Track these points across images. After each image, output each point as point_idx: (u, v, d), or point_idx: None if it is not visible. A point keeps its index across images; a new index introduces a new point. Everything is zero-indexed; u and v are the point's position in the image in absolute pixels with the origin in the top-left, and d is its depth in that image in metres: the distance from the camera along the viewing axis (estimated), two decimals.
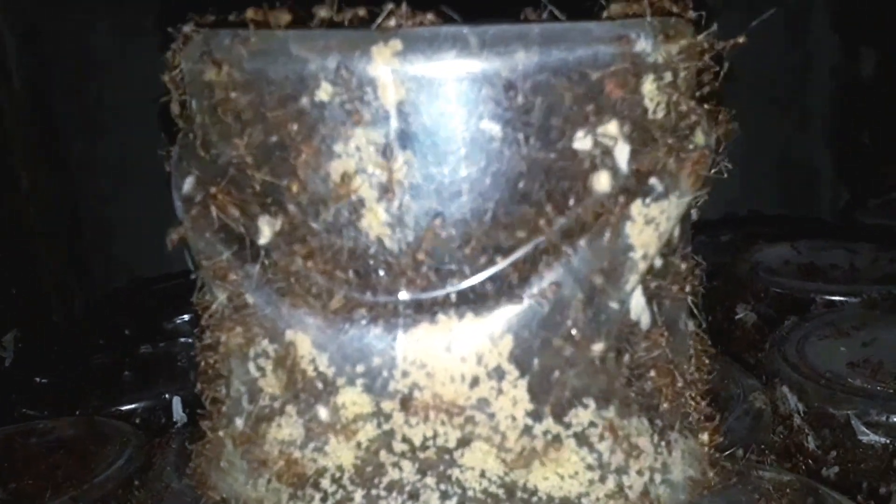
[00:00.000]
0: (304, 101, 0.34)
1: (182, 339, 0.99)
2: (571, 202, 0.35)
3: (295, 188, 0.35)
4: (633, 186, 0.36)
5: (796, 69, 1.52)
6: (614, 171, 0.36)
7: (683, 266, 0.41)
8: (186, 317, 1.02)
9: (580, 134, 0.35)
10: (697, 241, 1.08)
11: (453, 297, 0.35)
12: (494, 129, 0.34)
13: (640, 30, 0.36)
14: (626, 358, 0.38)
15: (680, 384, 0.41)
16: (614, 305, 0.36)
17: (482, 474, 0.36)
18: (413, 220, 0.34)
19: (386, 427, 0.35)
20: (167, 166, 0.41)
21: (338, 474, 0.36)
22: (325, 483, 0.36)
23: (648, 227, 0.37)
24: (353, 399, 0.35)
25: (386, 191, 0.34)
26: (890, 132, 1.44)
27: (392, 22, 0.34)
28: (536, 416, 0.36)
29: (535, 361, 0.35)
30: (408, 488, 0.35)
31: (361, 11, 0.37)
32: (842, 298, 0.84)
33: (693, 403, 0.42)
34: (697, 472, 0.41)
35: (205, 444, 0.40)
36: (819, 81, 1.53)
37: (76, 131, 1.52)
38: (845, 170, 1.52)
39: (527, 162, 0.35)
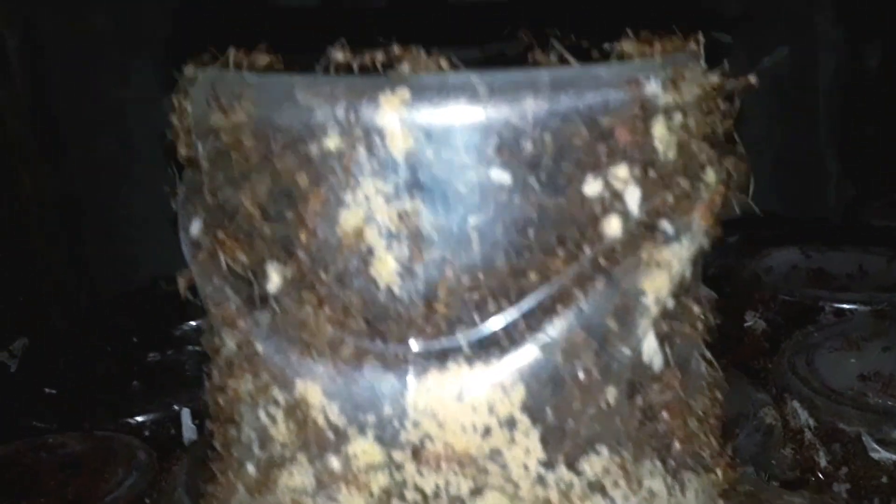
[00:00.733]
0: (312, 148, 0.34)
1: (190, 347, 0.99)
2: (582, 248, 0.35)
3: (303, 237, 0.34)
4: (644, 230, 0.36)
5: (800, 65, 1.51)
6: (625, 215, 0.36)
7: (696, 308, 0.40)
8: (194, 323, 1.02)
9: (590, 179, 0.35)
10: None
11: (464, 345, 0.34)
12: (504, 176, 0.34)
13: (650, 72, 0.35)
14: (639, 400, 0.38)
15: (693, 423, 0.40)
16: (626, 351, 0.36)
17: None
18: (423, 269, 0.34)
19: (398, 477, 0.35)
20: (173, 204, 0.41)
21: None
22: None
23: (660, 270, 0.36)
24: (364, 449, 0.35)
25: (395, 240, 0.34)
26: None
27: (403, 68, 0.34)
28: (549, 465, 0.35)
29: (548, 410, 0.35)
30: None
31: (377, 55, 0.36)
32: (851, 307, 0.84)
33: (706, 440, 0.42)
34: None
35: (216, 487, 0.40)
36: (824, 77, 1.52)
37: (77, 132, 1.51)
38: (851, 166, 1.52)
39: (536, 208, 0.34)
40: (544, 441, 0.35)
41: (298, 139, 0.34)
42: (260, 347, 0.36)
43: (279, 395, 0.36)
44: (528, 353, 0.34)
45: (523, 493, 0.35)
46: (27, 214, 1.46)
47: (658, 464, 0.39)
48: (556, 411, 0.35)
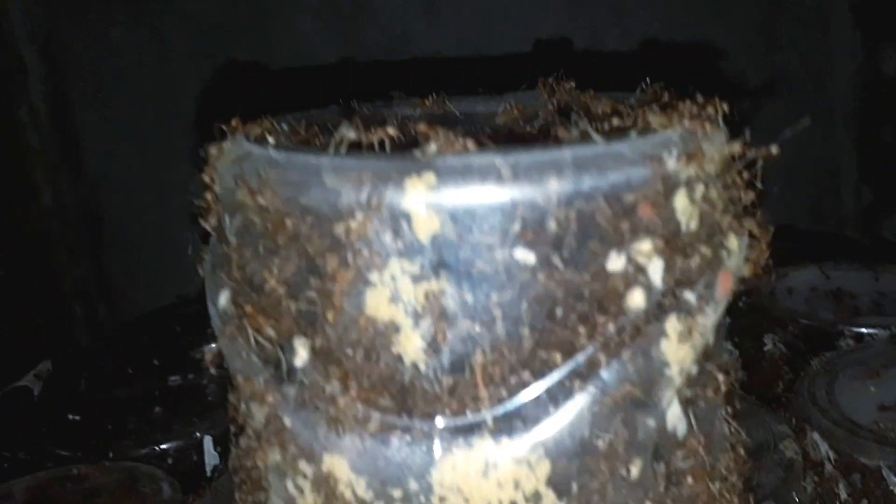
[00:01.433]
0: (339, 230, 0.34)
1: (211, 370, 0.99)
2: (606, 322, 0.35)
3: (330, 315, 0.35)
4: (668, 302, 0.36)
5: (818, 68, 1.51)
6: (648, 288, 0.36)
7: (721, 376, 0.40)
8: (214, 345, 1.03)
9: (613, 255, 0.35)
10: None
11: (489, 421, 0.35)
12: (528, 256, 0.34)
13: (672, 147, 0.36)
14: (663, 468, 0.38)
15: (716, 485, 0.41)
16: (651, 422, 0.36)
17: None
18: (448, 347, 0.35)
19: None
20: (199, 270, 0.42)
21: None
22: None
23: (684, 342, 0.36)
24: None
25: (421, 318, 0.34)
26: None
27: (428, 148, 0.34)
28: None
29: (573, 484, 0.35)
30: None
31: (391, 130, 0.37)
32: (871, 331, 0.84)
33: (729, 498, 0.42)
34: None
35: None
36: (841, 80, 1.52)
37: (98, 146, 1.52)
38: (868, 173, 1.51)
39: (560, 286, 0.35)
40: None
41: (325, 220, 0.34)
42: (288, 421, 0.36)
43: (307, 468, 0.36)
44: (552, 428, 0.35)
45: None
46: (49, 229, 1.47)
47: None
48: (581, 485, 0.35)
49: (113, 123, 1.49)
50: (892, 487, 0.64)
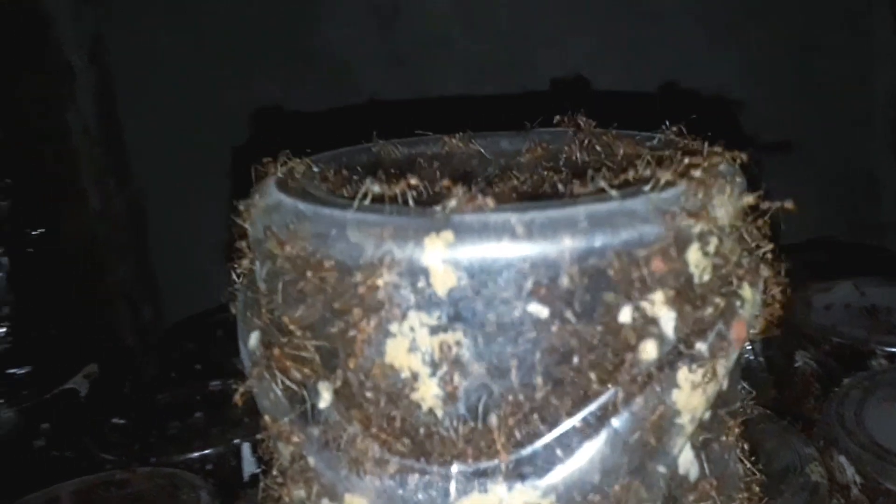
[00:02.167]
0: (361, 282, 0.36)
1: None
2: (618, 372, 0.37)
3: (352, 362, 0.37)
4: (680, 353, 0.37)
5: (857, 74, 1.49)
6: (660, 338, 0.37)
7: (732, 421, 0.41)
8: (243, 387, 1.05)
9: (625, 308, 0.36)
10: None
11: (503, 467, 0.36)
12: (541, 310, 0.35)
13: (685, 203, 0.37)
14: None
15: None
16: (662, 469, 0.38)
17: None
18: (464, 395, 0.36)
19: None
20: (232, 308, 0.44)
21: None
22: None
23: (696, 391, 0.38)
24: None
25: (438, 367, 0.36)
26: None
27: (448, 205, 0.36)
28: None
29: None
30: None
31: (413, 180, 0.38)
32: None
33: None
34: None
35: None
36: (881, 87, 1.50)
37: (145, 149, 1.56)
38: None
39: (573, 337, 0.36)
40: None
41: (349, 272, 0.36)
42: (312, 461, 0.38)
43: None
44: (563, 474, 0.36)
45: None
46: (96, 232, 1.51)
47: None
48: None
49: (159, 128, 1.52)
50: None
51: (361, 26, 1.49)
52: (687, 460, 0.39)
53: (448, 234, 0.34)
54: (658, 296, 0.37)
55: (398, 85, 1.47)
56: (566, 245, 0.35)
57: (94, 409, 1.06)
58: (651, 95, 1.37)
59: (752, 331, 0.41)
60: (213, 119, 1.50)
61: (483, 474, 0.36)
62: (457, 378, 0.36)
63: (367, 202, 0.37)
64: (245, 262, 0.41)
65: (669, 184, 0.38)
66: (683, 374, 0.37)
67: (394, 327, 0.36)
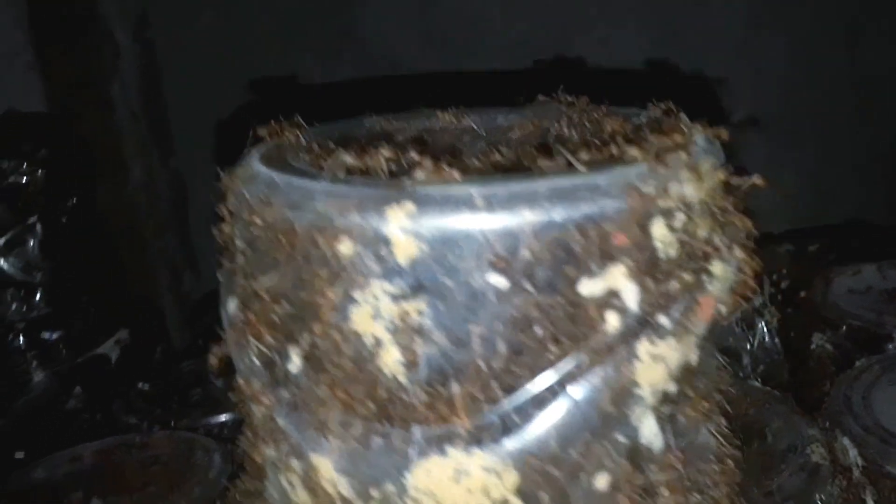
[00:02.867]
0: (328, 252, 0.37)
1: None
2: (578, 343, 0.37)
3: (319, 329, 0.38)
4: (642, 326, 0.38)
5: (892, 56, 1.46)
6: (623, 311, 0.38)
7: (702, 386, 0.42)
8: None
9: (586, 280, 0.37)
10: (783, 250, 1.07)
11: (462, 432, 0.37)
12: (501, 281, 0.36)
13: (649, 178, 0.37)
14: (637, 479, 0.40)
15: (695, 497, 0.42)
16: (621, 438, 0.38)
17: None
18: (426, 362, 0.37)
19: None
20: (219, 276, 0.45)
21: None
22: None
23: (657, 364, 0.38)
24: None
25: (400, 335, 0.37)
26: None
27: (415, 176, 0.37)
28: None
29: (541, 494, 0.38)
30: None
31: (386, 152, 0.39)
32: None
33: None
34: None
35: None
36: None
37: (186, 121, 1.58)
38: None
39: (534, 308, 0.37)
40: None
41: (316, 241, 0.37)
42: (281, 422, 0.39)
43: (297, 466, 0.39)
44: (521, 440, 0.37)
45: None
46: (138, 202, 1.54)
47: None
48: (549, 495, 0.38)
49: (199, 101, 1.54)
50: None
51: (402, 5, 1.50)
52: (651, 432, 0.40)
53: (409, 205, 0.35)
54: (620, 269, 0.37)
55: (436, 64, 1.48)
56: (526, 218, 0.36)
57: (123, 374, 1.09)
58: (683, 76, 1.36)
59: (722, 308, 0.41)
60: (251, 94, 1.53)
61: (443, 439, 0.37)
62: (418, 345, 0.37)
63: (337, 174, 0.38)
64: (226, 230, 0.42)
65: (635, 159, 0.38)
66: (644, 346, 0.38)
67: (357, 295, 0.37)
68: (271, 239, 0.39)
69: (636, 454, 0.39)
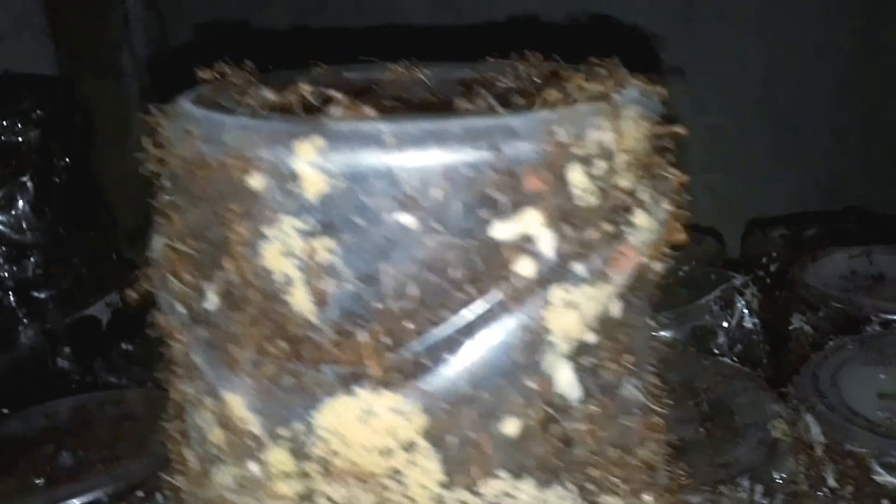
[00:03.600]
0: (239, 186, 0.37)
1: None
2: (490, 287, 0.37)
3: (230, 264, 0.38)
4: (556, 273, 0.38)
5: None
6: (537, 256, 0.37)
7: (625, 338, 0.41)
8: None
9: (499, 224, 0.37)
10: (777, 234, 1.06)
11: (371, 373, 0.37)
12: (411, 220, 0.36)
13: (566, 122, 0.37)
14: (552, 429, 0.40)
15: (615, 451, 0.42)
16: (532, 385, 0.38)
17: None
18: (335, 301, 0.37)
19: (310, 486, 0.38)
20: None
21: None
22: None
23: (569, 311, 0.38)
24: (279, 459, 0.38)
25: (310, 273, 0.37)
26: None
27: (330, 112, 0.36)
28: (448, 486, 0.38)
29: (449, 437, 0.37)
30: None
31: (307, 88, 0.39)
32: None
33: (635, 465, 0.43)
34: None
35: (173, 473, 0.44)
36: None
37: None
38: None
39: (447, 250, 0.37)
40: (444, 464, 0.38)
41: (228, 175, 0.37)
42: (197, 360, 0.39)
43: (211, 404, 0.39)
44: (430, 383, 0.37)
45: None
46: (140, 168, 1.54)
47: (573, 488, 0.41)
48: (456, 438, 0.37)
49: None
50: (874, 476, 0.64)
51: None
52: (566, 381, 0.39)
53: (319, 140, 0.35)
54: (534, 214, 0.37)
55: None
56: (436, 157, 0.35)
57: (112, 335, 1.10)
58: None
59: (646, 260, 0.41)
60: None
61: (352, 379, 0.37)
62: (328, 284, 0.37)
63: (251, 109, 0.38)
64: (153, 168, 0.42)
65: (554, 104, 0.38)
66: (558, 293, 0.38)
67: (268, 231, 0.37)
68: (188, 174, 0.39)
69: (551, 402, 0.39)
